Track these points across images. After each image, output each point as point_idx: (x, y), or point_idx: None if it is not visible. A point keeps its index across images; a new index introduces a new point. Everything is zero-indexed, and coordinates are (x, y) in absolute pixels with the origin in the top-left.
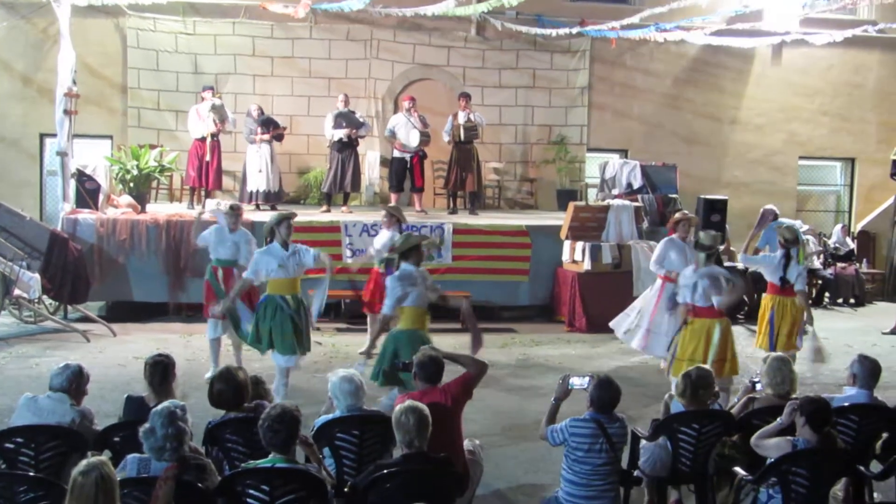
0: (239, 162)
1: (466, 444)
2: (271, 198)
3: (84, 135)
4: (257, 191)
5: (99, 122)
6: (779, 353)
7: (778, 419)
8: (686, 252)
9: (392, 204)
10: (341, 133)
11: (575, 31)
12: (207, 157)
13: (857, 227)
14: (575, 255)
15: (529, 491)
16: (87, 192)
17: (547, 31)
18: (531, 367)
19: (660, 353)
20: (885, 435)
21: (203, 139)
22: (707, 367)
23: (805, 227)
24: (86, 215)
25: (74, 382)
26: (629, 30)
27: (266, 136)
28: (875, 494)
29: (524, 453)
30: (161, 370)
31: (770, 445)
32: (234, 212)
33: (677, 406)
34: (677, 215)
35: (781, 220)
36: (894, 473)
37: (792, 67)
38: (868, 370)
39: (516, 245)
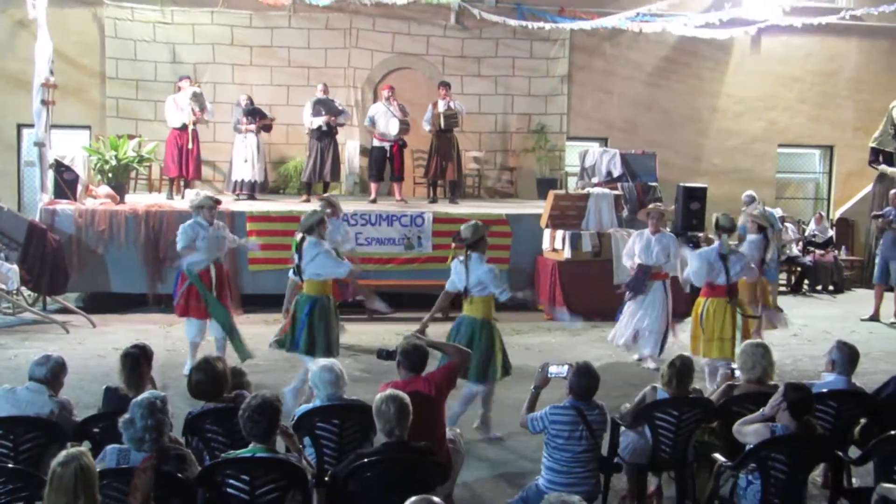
0: (219, 152)
1: (448, 432)
2: (256, 188)
3: (62, 125)
4: (242, 181)
5: (77, 113)
6: (754, 340)
7: (761, 409)
8: (652, 244)
9: (328, 193)
10: (320, 121)
11: (549, 27)
12: (189, 146)
13: (835, 215)
14: (555, 244)
15: (510, 479)
16: (66, 183)
17: (525, 24)
18: (511, 355)
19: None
20: (863, 420)
21: (182, 128)
22: (688, 355)
23: (781, 214)
24: (64, 206)
25: (56, 374)
26: (607, 21)
27: (252, 127)
28: (854, 479)
29: (505, 442)
30: (130, 362)
31: (749, 432)
32: (214, 203)
33: (663, 395)
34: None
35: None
36: (872, 458)
37: (770, 56)
38: (847, 356)
39: (496, 234)
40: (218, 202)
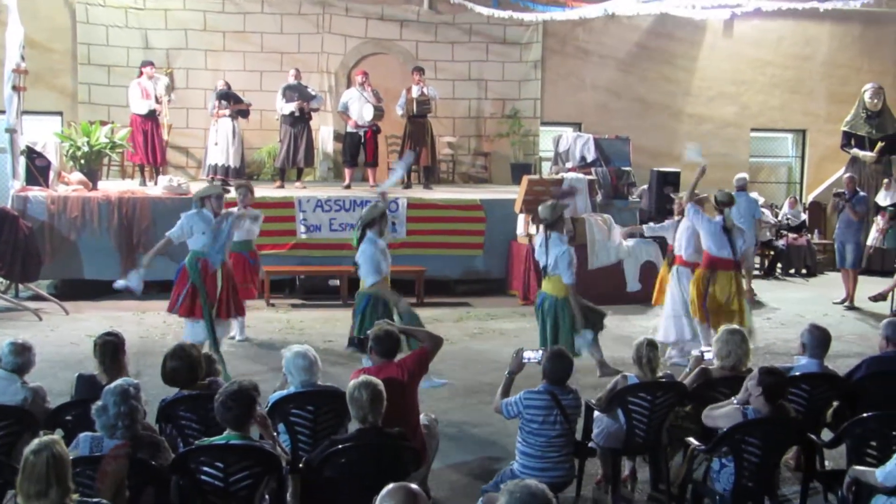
0: (192, 138)
1: (422, 418)
2: (231, 173)
3: (33, 111)
4: (217, 165)
5: (48, 99)
6: (731, 326)
7: (733, 398)
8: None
9: (242, 180)
10: (292, 106)
11: (522, 16)
12: (166, 135)
13: (808, 199)
14: (529, 229)
15: (485, 464)
16: (38, 170)
17: (494, 13)
18: (486, 340)
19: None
20: (835, 403)
21: (149, 115)
22: (654, 337)
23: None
24: (36, 193)
25: (27, 360)
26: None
27: (225, 112)
28: (826, 462)
29: (479, 427)
30: (111, 349)
31: (720, 415)
32: (223, 192)
33: (634, 381)
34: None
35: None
36: (845, 441)
37: (743, 40)
38: (819, 340)
39: (471, 219)
40: (226, 190)
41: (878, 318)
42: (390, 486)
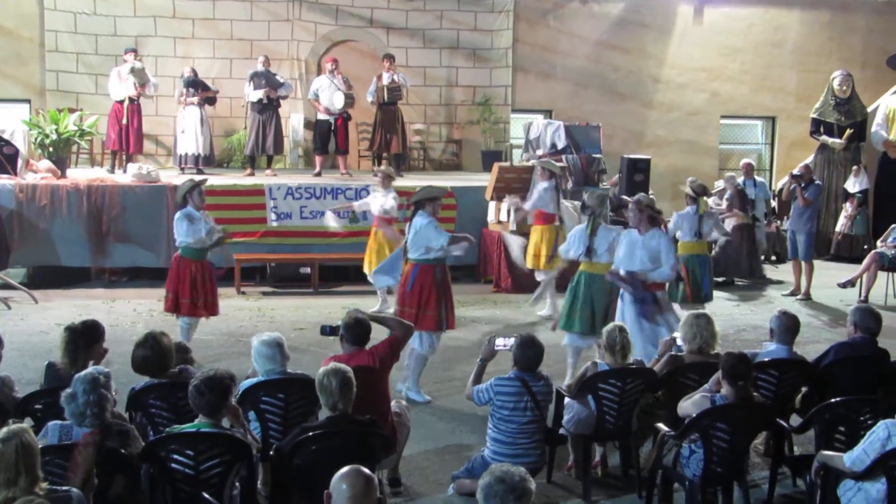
0: (161, 126)
1: (393, 405)
2: (201, 161)
3: (1, 99)
4: (187, 154)
5: (16, 86)
6: (697, 311)
7: (704, 385)
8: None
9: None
10: (259, 93)
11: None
12: (125, 121)
13: (777, 185)
14: (500, 216)
15: (456, 451)
16: (6, 158)
17: None
18: (458, 327)
19: None
20: (804, 389)
21: (122, 102)
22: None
23: (724, 186)
24: (4, 181)
25: None
26: None
27: (193, 99)
28: (795, 447)
29: (451, 414)
30: (67, 341)
31: (689, 404)
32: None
33: (604, 368)
34: None
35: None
36: (813, 426)
37: (713, 26)
38: (787, 326)
39: (442, 206)
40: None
41: (831, 312)
42: (344, 469)
